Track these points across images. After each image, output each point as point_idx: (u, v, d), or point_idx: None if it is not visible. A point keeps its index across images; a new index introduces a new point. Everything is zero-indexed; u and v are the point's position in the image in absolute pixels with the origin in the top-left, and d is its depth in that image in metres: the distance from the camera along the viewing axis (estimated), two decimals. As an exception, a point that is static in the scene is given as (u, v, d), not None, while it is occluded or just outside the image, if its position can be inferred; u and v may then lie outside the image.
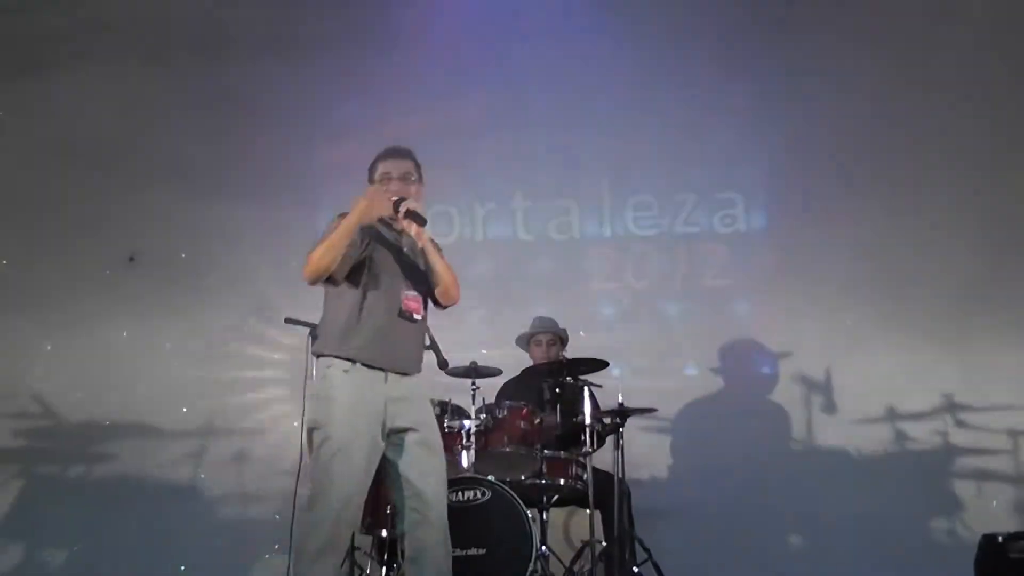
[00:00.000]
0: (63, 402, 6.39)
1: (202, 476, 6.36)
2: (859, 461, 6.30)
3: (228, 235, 6.65)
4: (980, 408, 6.15)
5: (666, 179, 6.81)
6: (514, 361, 5.72)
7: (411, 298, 3.75)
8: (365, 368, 3.57)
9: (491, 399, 5.43)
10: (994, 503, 6.02)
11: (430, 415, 3.79)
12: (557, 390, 5.33)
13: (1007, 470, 6.09)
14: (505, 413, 5.21)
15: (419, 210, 3.70)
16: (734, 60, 6.54)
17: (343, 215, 3.65)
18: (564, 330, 5.83)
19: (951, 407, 6.16)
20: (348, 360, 3.54)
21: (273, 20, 6.62)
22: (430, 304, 3.91)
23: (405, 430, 3.60)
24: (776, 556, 6.06)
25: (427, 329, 4.42)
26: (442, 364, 4.95)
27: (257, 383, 6.41)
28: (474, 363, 5.21)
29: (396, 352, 3.67)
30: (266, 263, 6.47)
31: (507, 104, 6.76)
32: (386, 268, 3.71)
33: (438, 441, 3.75)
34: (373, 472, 3.57)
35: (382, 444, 3.57)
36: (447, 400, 5.16)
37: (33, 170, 6.58)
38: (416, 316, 3.74)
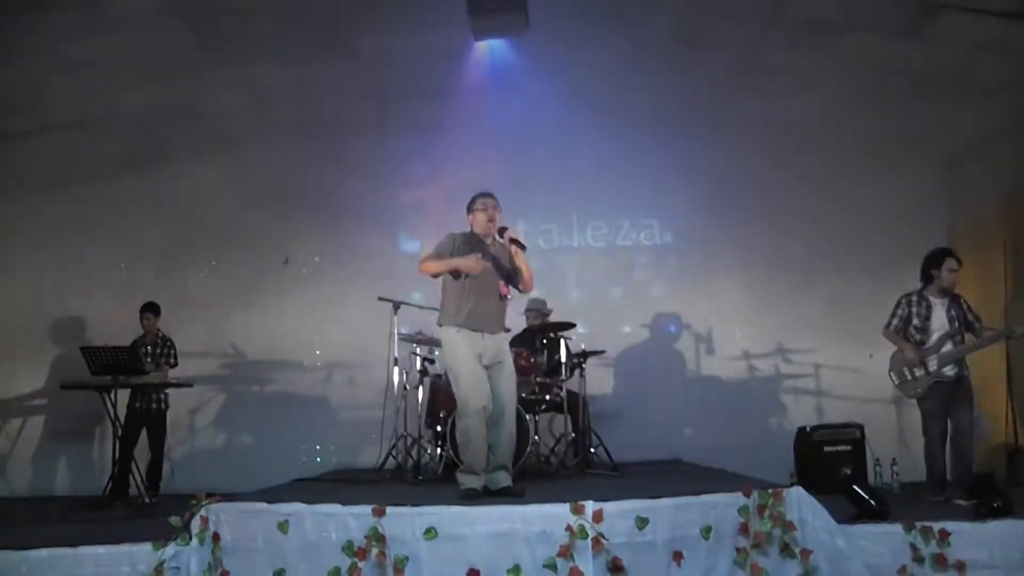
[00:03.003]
0: (250, 349, 8.27)
1: (328, 393, 8.12)
2: (725, 382, 8.10)
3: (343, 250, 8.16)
4: (797, 350, 8.10)
5: (611, 212, 8.42)
6: (521, 321, 7.03)
7: (503, 286, 4.71)
8: (468, 331, 4.60)
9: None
10: (804, 408, 7.87)
11: (508, 354, 4.72)
12: (544, 341, 6.46)
13: (812, 387, 8.06)
14: (513, 355, 5.33)
15: (519, 238, 4.66)
16: (653, 135, 8.00)
17: (453, 235, 4.68)
18: (548, 306, 7.06)
19: (781, 350, 8.13)
20: (457, 327, 4.59)
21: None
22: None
23: (493, 363, 4.66)
24: (674, 440, 7.73)
25: None
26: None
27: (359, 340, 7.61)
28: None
29: (484, 321, 4.63)
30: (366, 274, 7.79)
31: (512, 169, 7.91)
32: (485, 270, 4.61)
33: (512, 367, 4.72)
34: (485, 382, 4.50)
35: (484, 371, 4.57)
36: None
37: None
38: (508, 297, 4.73)
